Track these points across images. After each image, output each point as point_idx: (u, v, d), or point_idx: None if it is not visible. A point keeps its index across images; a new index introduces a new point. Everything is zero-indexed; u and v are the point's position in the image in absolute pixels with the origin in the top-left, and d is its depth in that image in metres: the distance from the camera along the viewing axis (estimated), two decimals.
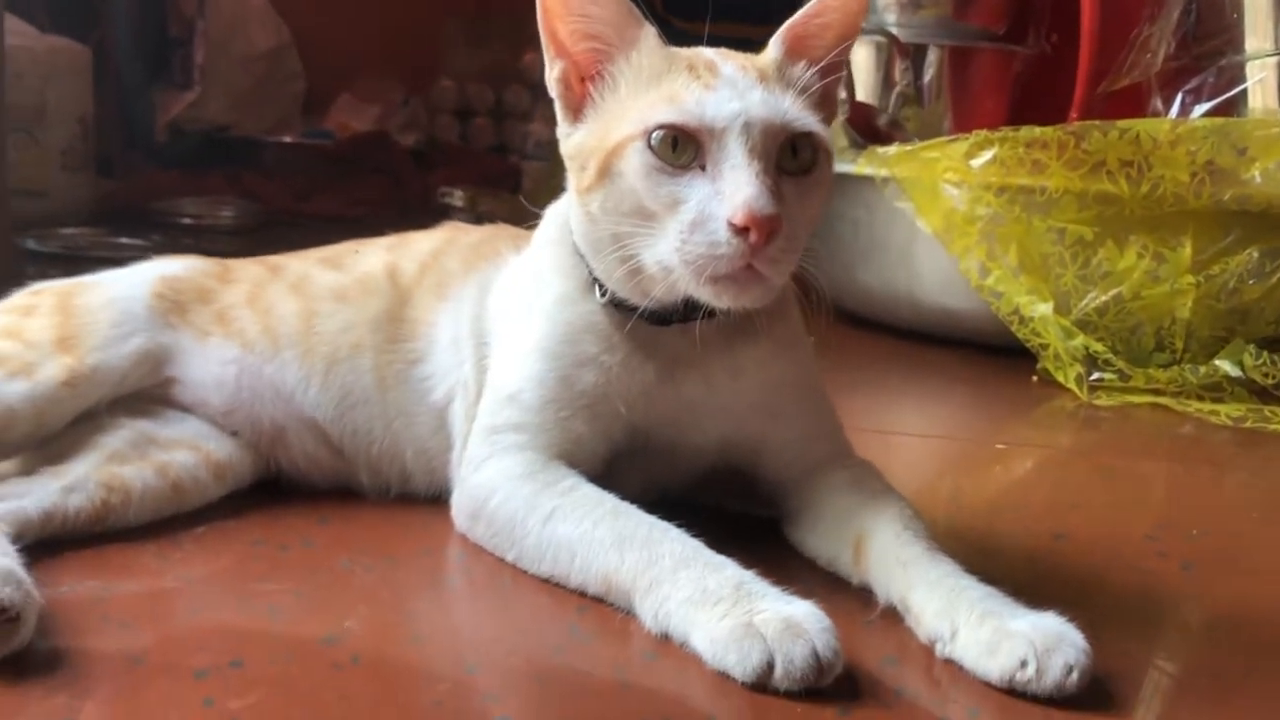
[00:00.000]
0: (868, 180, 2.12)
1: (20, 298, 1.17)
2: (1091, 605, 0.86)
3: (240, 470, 1.14)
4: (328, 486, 1.18)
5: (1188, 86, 2.00)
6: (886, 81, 2.39)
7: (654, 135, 0.93)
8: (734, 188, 0.90)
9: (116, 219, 2.93)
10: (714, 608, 0.86)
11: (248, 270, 1.25)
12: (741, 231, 0.89)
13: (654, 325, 1.03)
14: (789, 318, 1.09)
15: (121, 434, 1.08)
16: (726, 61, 0.98)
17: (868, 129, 2.19)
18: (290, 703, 0.77)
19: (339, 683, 0.80)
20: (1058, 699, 0.82)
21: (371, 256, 1.25)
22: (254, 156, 3.63)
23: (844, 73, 1.03)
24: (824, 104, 1.01)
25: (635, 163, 0.94)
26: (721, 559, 0.90)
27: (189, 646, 0.85)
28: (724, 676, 0.82)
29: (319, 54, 4.07)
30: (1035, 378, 1.97)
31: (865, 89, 2.37)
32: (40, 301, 1.15)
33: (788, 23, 1.00)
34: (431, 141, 4.01)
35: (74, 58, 2.91)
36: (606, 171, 0.96)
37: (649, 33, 1.00)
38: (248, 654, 0.84)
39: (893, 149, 2.04)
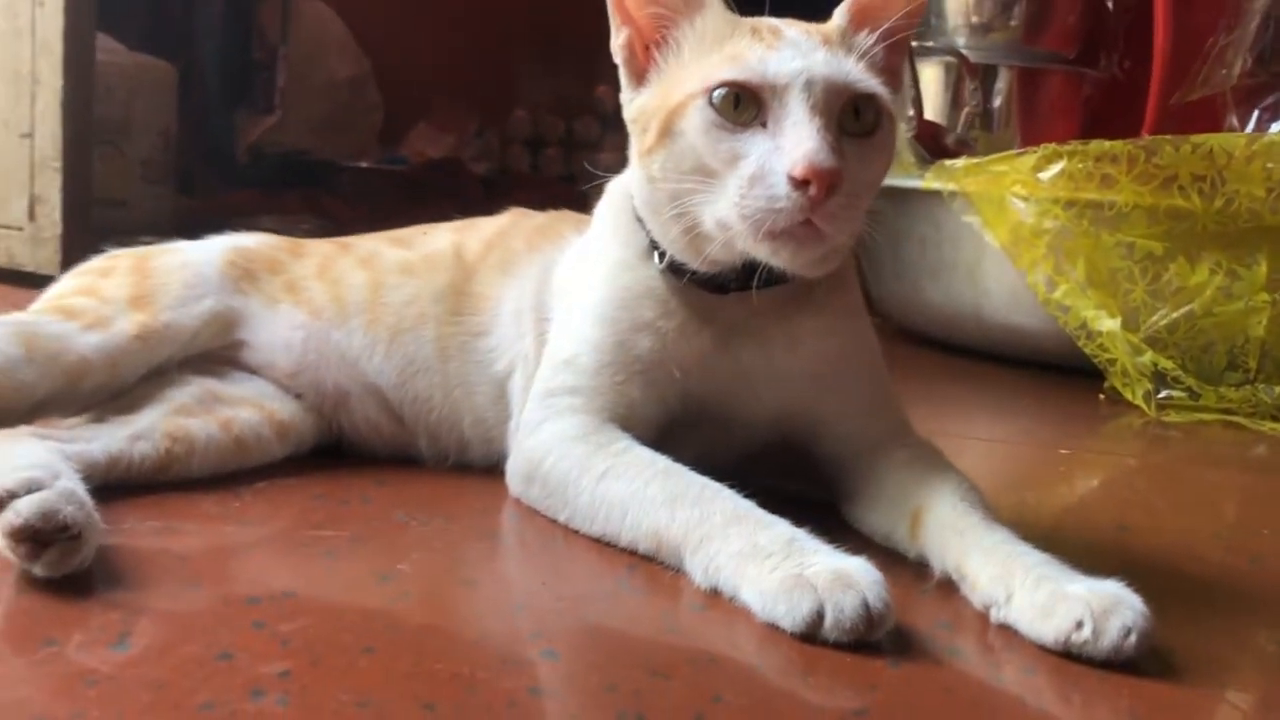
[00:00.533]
0: (935, 196, 2.11)
1: (98, 261, 1.21)
2: (1153, 586, 0.83)
3: (303, 431, 1.16)
4: (387, 453, 1.20)
5: (1264, 103, 1.97)
6: (955, 101, 2.39)
7: (715, 93, 0.94)
8: (794, 142, 0.90)
9: (195, 233, 3.00)
10: (765, 561, 0.85)
11: (318, 247, 1.28)
12: (801, 185, 0.89)
13: (712, 292, 1.03)
14: (848, 290, 1.09)
15: (189, 389, 1.10)
16: (790, 27, 0.99)
17: (936, 147, 2.19)
18: (340, 629, 0.77)
19: (389, 614, 0.81)
20: (1115, 662, 0.80)
21: (439, 237, 1.28)
22: (331, 179, 3.71)
23: (909, 47, 1.03)
24: (887, 74, 1.01)
25: (696, 120, 0.95)
26: (773, 517, 0.90)
27: (244, 578, 0.87)
28: (773, 628, 0.82)
29: (397, 84, 4.16)
30: (1102, 396, 1.93)
31: (933, 108, 2.37)
32: (117, 264, 1.19)
33: None
34: (503, 170, 4.07)
35: (160, 74, 3.00)
36: (668, 131, 0.97)
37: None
38: (301, 587, 0.85)
39: (960, 162, 2.03)
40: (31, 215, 2.05)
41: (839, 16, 1.01)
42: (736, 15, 1.02)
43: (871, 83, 0.96)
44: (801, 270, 0.98)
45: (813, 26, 1.01)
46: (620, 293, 1.06)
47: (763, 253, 0.95)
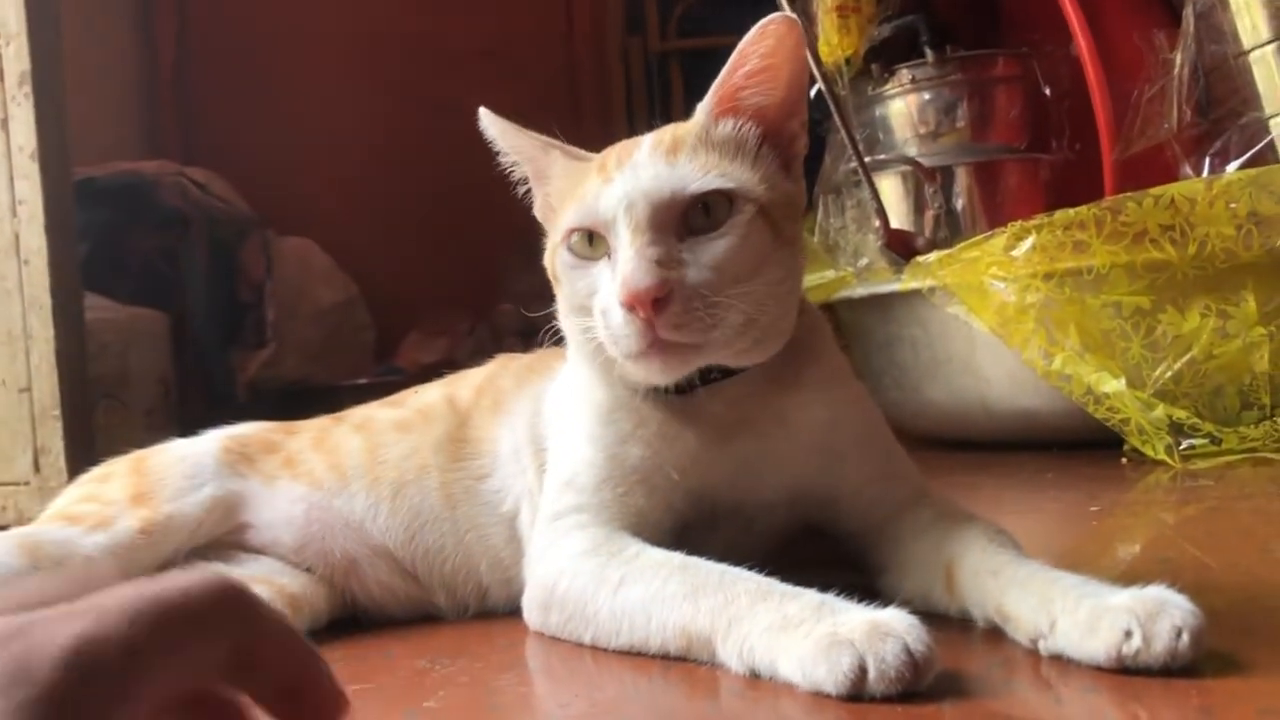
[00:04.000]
0: (916, 295, 2.12)
1: (97, 470, 1.21)
2: (1203, 601, 0.80)
3: (316, 604, 1.13)
4: (405, 615, 1.17)
5: (1213, 149, 2.01)
6: (918, 207, 2.44)
7: (572, 238, 0.99)
8: (620, 269, 0.94)
9: None
10: (797, 629, 0.82)
11: (311, 423, 1.30)
12: (632, 309, 0.92)
13: (679, 395, 1.03)
14: (821, 360, 1.08)
15: None
16: (646, 145, 1.01)
17: (908, 252, 2.21)
18: None
19: None
20: (1173, 667, 0.77)
21: (430, 392, 1.29)
22: (331, 400, 3.74)
23: (803, 113, 1.03)
24: (778, 146, 1.02)
25: (561, 264, 1.01)
26: (799, 589, 0.87)
27: None
28: (819, 697, 0.78)
29: (385, 300, 4.27)
30: (1124, 459, 1.90)
31: (898, 216, 2.41)
32: (115, 468, 1.19)
33: (715, 82, 1.02)
34: None
35: (152, 324, 3.09)
36: (555, 277, 1.04)
37: (555, 158, 1.07)
38: None
39: (933, 256, 2.06)
40: (36, 467, 2.07)
41: (699, 112, 1.03)
42: (587, 156, 1.07)
43: (710, 180, 0.96)
44: (668, 380, 0.99)
45: (671, 134, 1.02)
46: (598, 409, 1.06)
47: (640, 374, 0.98)
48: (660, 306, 0.91)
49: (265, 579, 1.11)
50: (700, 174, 0.97)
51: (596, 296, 0.97)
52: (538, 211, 1.12)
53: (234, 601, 0.48)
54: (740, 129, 1.01)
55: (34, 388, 2.07)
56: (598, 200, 0.97)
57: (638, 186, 0.96)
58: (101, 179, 3.35)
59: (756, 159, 1.00)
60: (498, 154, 1.10)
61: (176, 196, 3.53)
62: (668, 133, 1.02)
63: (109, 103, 3.95)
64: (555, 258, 1.03)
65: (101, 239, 3.32)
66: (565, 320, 1.05)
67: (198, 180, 3.63)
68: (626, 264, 0.93)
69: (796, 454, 1.04)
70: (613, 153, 1.03)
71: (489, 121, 1.08)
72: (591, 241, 0.99)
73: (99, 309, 2.89)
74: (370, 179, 4.30)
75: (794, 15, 0.99)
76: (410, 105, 4.28)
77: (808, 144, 1.05)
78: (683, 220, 0.96)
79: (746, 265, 0.96)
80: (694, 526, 1.05)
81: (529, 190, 1.12)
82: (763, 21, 0.98)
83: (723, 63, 1.00)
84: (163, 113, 4.34)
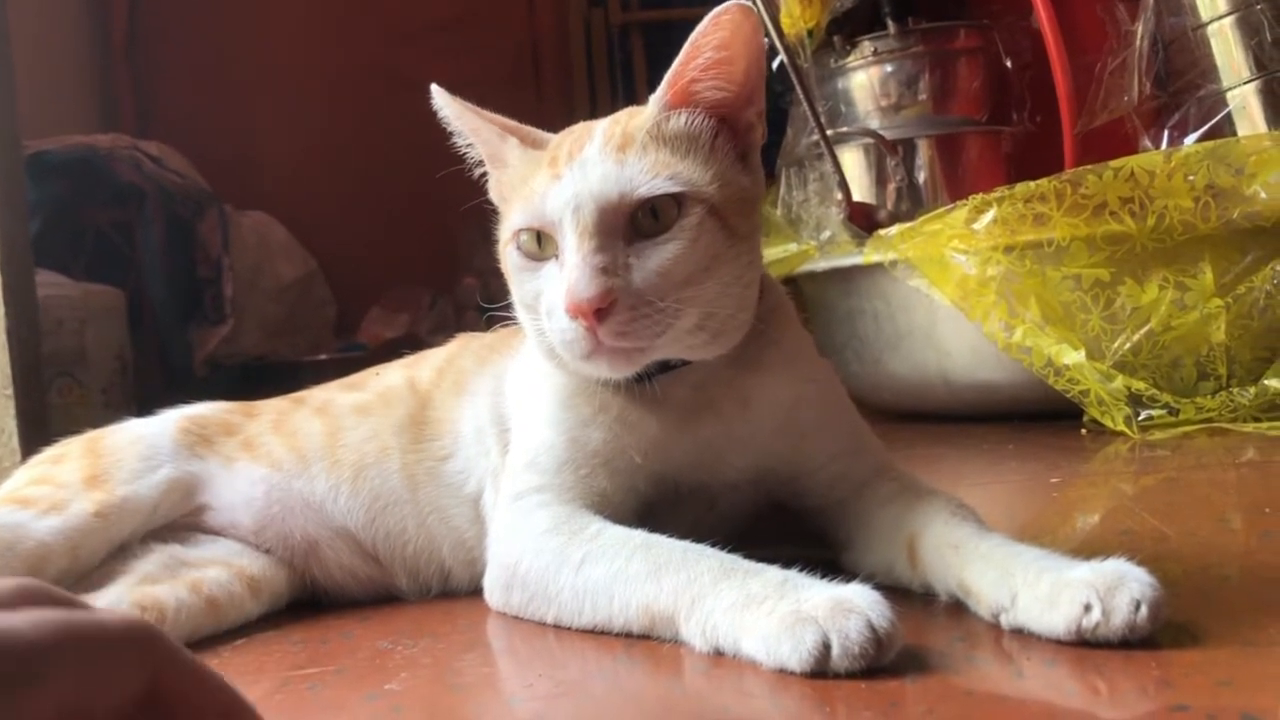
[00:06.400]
0: (878, 269, 2.13)
1: (50, 450, 1.19)
2: (1162, 572, 0.80)
3: (276, 586, 1.12)
4: (367, 597, 1.16)
5: (1171, 122, 2.02)
6: (880, 180, 2.43)
7: (520, 238, 0.98)
8: (565, 274, 0.92)
9: None
10: (760, 606, 0.82)
11: (270, 404, 1.28)
12: (576, 317, 0.91)
13: (639, 381, 1.01)
14: (783, 341, 1.06)
15: (154, 557, 1.07)
16: (597, 138, 0.98)
17: (870, 224, 2.22)
18: None
19: None
20: (1133, 640, 0.77)
21: (391, 374, 1.28)
22: (291, 377, 3.71)
23: (760, 102, 1.00)
24: (735, 137, 1.00)
25: (509, 264, 1.00)
26: (762, 565, 0.87)
27: None
28: (783, 674, 0.78)
29: (346, 276, 4.23)
30: (1084, 430, 1.92)
31: (860, 189, 2.41)
32: (68, 449, 1.17)
33: (668, 72, 0.98)
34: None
35: (108, 300, 3.04)
36: (506, 273, 1.02)
37: (511, 144, 1.04)
38: (287, 718, 0.81)
39: (894, 229, 2.06)
40: None
41: (652, 104, 1.00)
42: (543, 139, 1.04)
43: (658, 183, 0.94)
44: (618, 376, 0.98)
45: (624, 127, 0.99)
46: (558, 393, 1.05)
47: (590, 371, 0.97)
48: (603, 315, 0.90)
49: (224, 561, 1.09)
50: (649, 176, 0.94)
51: (543, 297, 0.96)
52: (493, 194, 1.09)
53: (147, 635, 0.48)
54: (694, 122, 0.98)
55: None
56: (544, 201, 0.95)
57: (586, 188, 0.94)
58: (53, 153, 3.28)
59: (711, 153, 0.98)
60: (451, 134, 1.08)
61: (131, 170, 3.47)
62: (620, 125, 0.99)
63: (60, 74, 3.87)
64: (505, 255, 1.01)
65: (54, 214, 3.26)
66: (519, 313, 1.04)
67: (152, 154, 3.56)
68: (571, 271, 0.91)
69: (760, 435, 1.04)
70: (565, 143, 1.00)
71: (443, 101, 1.05)
72: (540, 242, 0.97)
73: (53, 285, 2.84)
74: (330, 152, 4.25)
75: (750, 2, 0.96)
76: (370, 77, 4.22)
77: (766, 133, 1.03)
78: (630, 223, 0.94)
79: (696, 268, 0.94)
80: (657, 506, 1.05)
81: (485, 173, 1.09)
82: (717, 10, 0.94)
83: (685, 36, 0.98)
84: (116, 85, 4.26)
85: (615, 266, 0.92)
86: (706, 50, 0.96)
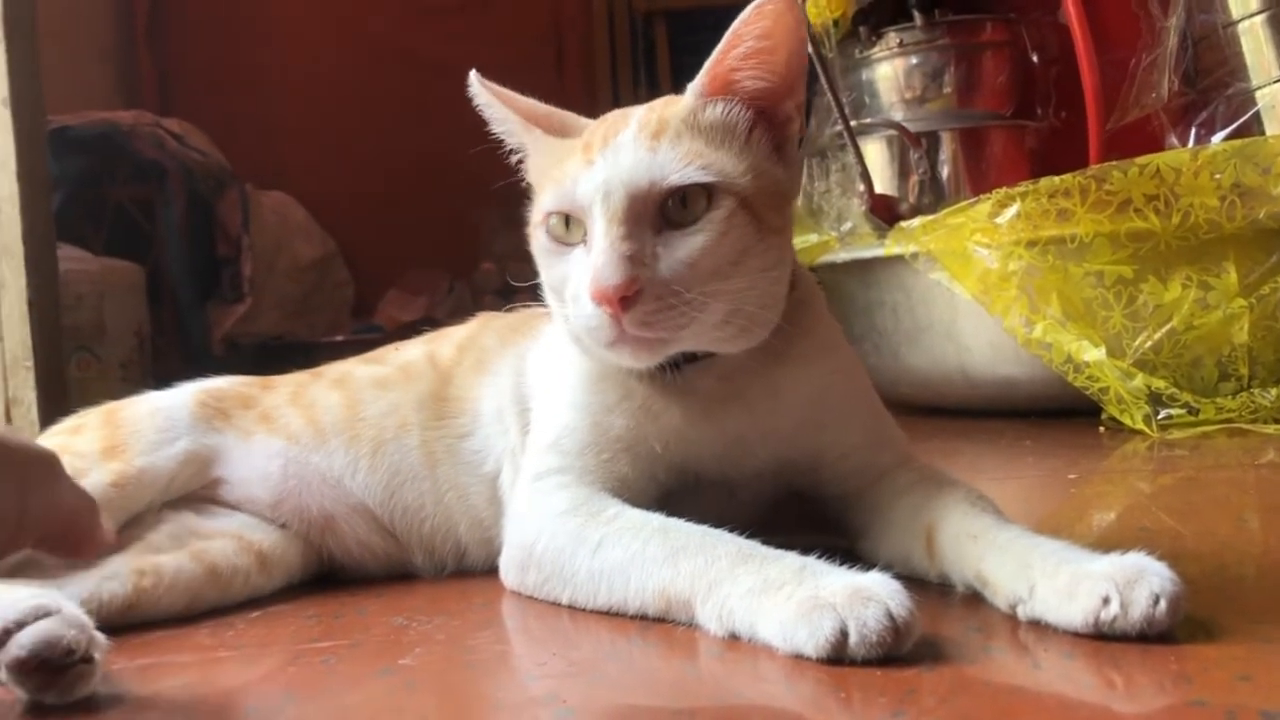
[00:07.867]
0: (899, 261, 2.12)
1: (68, 421, 1.19)
2: (1181, 569, 0.80)
3: (289, 561, 1.12)
4: (382, 572, 1.16)
5: (1199, 119, 2.00)
6: (902, 172, 2.42)
7: (550, 221, 0.97)
8: (591, 260, 0.92)
9: None
10: (778, 592, 0.82)
11: (288, 378, 1.28)
12: (600, 304, 0.91)
13: (662, 371, 1.01)
14: (815, 331, 1.06)
15: (164, 528, 1.08)
16: (632, 125, 0.98)
17: (891, 217, 2.21)
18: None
19: (394, 703, 0.77)
20: (1151, 635, 0.77)
21: (411, 349, 1.27)
22: (307, 357, 3.72)
23: (800, 95, 0.99)
24: (772, 129, 0.99)
25: (537, 246, 1.00)
26: (779, 552, 0.86)
27: (242, 692, 0.83)
28: (798, 660, 0.78)
29: (366, 258, 4.24)
30: (1102, 428, 1.91)
31: (882, 181, 2.40)
32: (86, 420, 1.17)
33: (708, 61, 0.98)
34: None
35: (128, 276, 3.05)
36: (535, 256, 1.02)
37: (535, 136, 1.04)
38: (300, 692, 0.81)
39: (916, 221, 2.05)
40: (8, 418, 2.04)
41: (689, 93, 0.99)
42: (579, 124, 1.03)
43: (689, 172, 0.93)
44: (642, 366, 0.98)
45: (659, 114, 0.98)
46: (583, 376, 1.05)
47: (613, 359, 0.97)
48: (628, 303, 0.90)
49: (234, 534, 1.09)
50: (681, 164, 0.93)
51: (569, 282, 0.96)
52: (530, 177, 1.08)
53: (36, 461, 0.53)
54: (731, 112, 0.97)
55: (5, 337, 2.04)
56: (575, 185, 0.95)
57: (616, 174, 0.93)
58: (76, 128, 3.30)
59: (746, 145, 0.97)
60: (488, 123, 1.07)
61: (152, 147, 3.48)
62: (656, 112, 0.99)
63: (84, 51, 3.88)
64: (534, 238, 1.01)
65: (76, 189, 3.28)
66: (546, 295, 1.04)
67: (174, 131, 3.58)
68: (598, 257, 0.91)
69: (786, 426, 1.03)
70: (600, 128, 1.00)
71: (479, 89, 1.05)
72: (569, 225, 0.97)
73: (74, 260, 2.85)
74: (351, 134, 4.25)
75: None
76: (392, 60, 4.23)
77: (804, 126, 1.02)
78: (660, 212, 0.93)
79: (724, 261, 0.94)
80: (676, 493, 1.04)
81: (520, 160, 1.08)
82: (759, 0, 0.94)
83: (707, 24, 0.97)
84: (139, 62, 4.27)
85: (642, 255, 0.92)
86: (748, 39, 0.95)
